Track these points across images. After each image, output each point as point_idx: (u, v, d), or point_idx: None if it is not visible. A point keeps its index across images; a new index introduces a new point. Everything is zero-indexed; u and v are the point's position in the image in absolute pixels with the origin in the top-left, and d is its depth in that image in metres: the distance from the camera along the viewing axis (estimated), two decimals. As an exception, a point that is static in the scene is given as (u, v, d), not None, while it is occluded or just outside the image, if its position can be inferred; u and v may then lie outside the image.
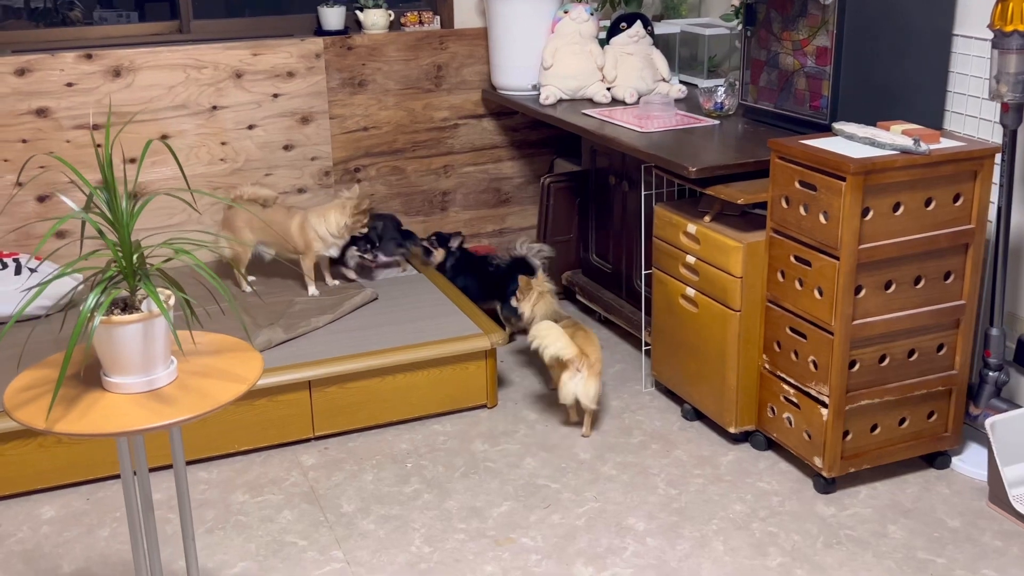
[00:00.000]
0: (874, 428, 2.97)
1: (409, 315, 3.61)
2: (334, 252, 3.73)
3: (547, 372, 3.67)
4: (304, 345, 3.38)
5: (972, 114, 3.18)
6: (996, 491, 2.88)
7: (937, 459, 3.09)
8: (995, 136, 3.07)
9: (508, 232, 4.57)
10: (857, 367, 2.87)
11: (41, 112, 3.75)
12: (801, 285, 2.89)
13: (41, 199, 3.80)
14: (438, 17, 4.28)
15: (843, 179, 2.69)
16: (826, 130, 3.09)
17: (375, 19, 4.14)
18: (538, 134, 4.49)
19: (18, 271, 3.51)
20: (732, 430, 3.19)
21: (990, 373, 3.04)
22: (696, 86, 4.03)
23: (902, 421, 3.00)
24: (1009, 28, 2.76)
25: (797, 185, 2.84)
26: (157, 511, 2.90)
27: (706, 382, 3.24)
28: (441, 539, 2.80)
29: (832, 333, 2.81)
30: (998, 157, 2.90)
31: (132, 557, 2.07)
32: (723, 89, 3.62)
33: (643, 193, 3.51)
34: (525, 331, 3.46)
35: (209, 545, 2.79)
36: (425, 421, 3.43)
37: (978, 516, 2.86)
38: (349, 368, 3.26)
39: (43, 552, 2.78)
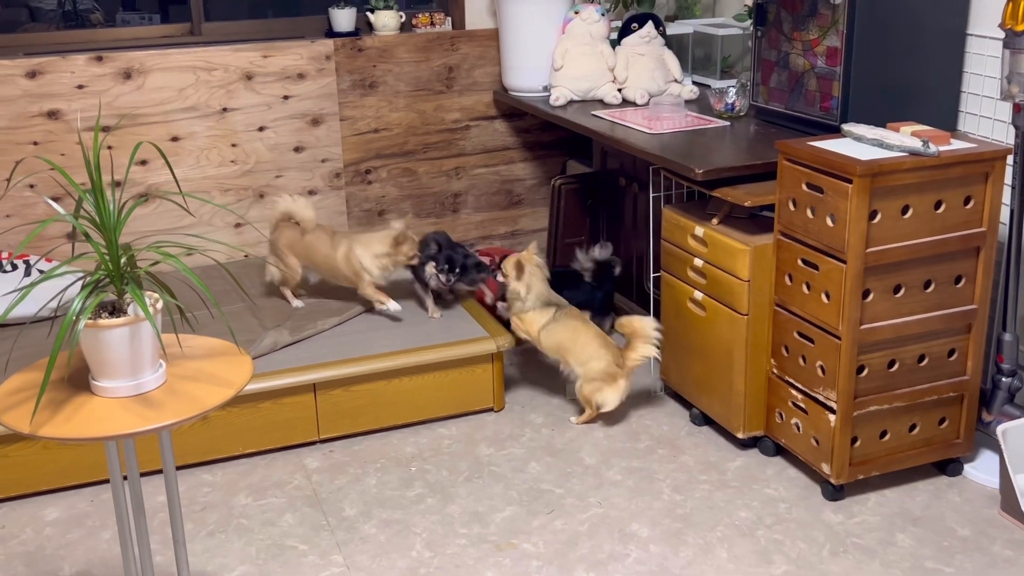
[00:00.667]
0: (883, 434, 2.92)
1: (415, 317, 3.59)
2: (383, 281, 3.55)
3: (550, 375, 3.65)
4: (310, 347, 3.37)
5: (987, 115, 3.12)
6: (1008, 499, 2.83)
7: (948, 466, 3.04)
8: (1011, 137, 3.01)
9: (520, 234, 4.55)
10: (865, 372, 2.82)
11: (52, 114, 3.77)
12: (808, 289, 2.85)
13: (54, 200, 3.82)
14: (449, 18, 4.26)
15: (850, 181, 2.64)
16: (837, 131, 3.05)
17: (386, 20, 4.13)
18: (550, 135, 4.46)
19: (28, 273, 3.53)
20: (740, 435, 3.15)
21: (1003, 379, 2.98)
22: (708, 87, 3.98)
23: (912, 427, 2.95)
24: (1020, 28, 2.70)
25: (804, 187, 2.80)
26: (159, 514, 2.91)
27: (714, 386, 3.20)
28: (442, 544, 2.78)
29: (839, 338, 2.77)
30: (1010, 159, 2.84)
31: (122, 562, 2.06)
32: (734, 90, 3.58)
33: (651, 195, 3.48)
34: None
35: (209, 548, 2.78)
36: (430, 424, 3.42)
37: (989, 525, 2.80)
38: (354, 371, 3.25)
39: (45, 554, 2.78)
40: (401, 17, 4.16)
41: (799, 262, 2.86)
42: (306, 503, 2.99)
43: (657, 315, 3.55)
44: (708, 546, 2.75)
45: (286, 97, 4.03)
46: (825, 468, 2.90)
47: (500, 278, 3.48)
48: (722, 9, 4.44)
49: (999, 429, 2.86)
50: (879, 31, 3.06)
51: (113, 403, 1.84)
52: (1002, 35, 2.80)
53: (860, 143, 2.82)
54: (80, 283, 1.86)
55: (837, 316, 2.75)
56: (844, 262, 2.70)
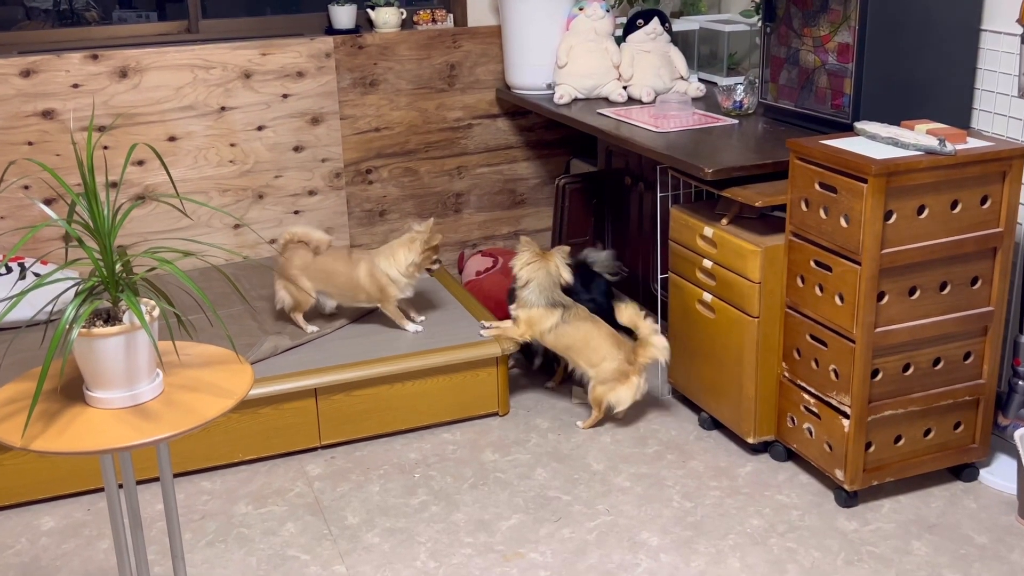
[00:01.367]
0: (898, 439, 2.85)
1: (419, 320, 3.52)
2: (409, 292, 3.40)
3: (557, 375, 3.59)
4: (311, 352, 3.31)
5: (1001, 112, 3.06)
6: (1026, 506, 2.77)
7: (964, 471, 2.97)
8: (1025, 135, 2.95)
9: (523, 234, 4.48)
10: (880, 376, 2.76)
11: (47, 114, 3.70)
12: (821, 291, 2.78)
13: (48, 202, 3.75)
14: (451, 15, 4.19)
15: (865, 181, 2.58)
16: (848, 130, 2.98)
17: (387, 17, 4.06)
18: (553, 134, 4.40)
19: (23, 276, 3.46)
20: (751, 440, 3.08)
21: (1019, 382, 2.91)
22: (716, 84, 3.92)
23: (927, 432, 2.88)
24: (1040, 22, 2.64)
25: (817, 187, 2.73)
26: (157, 523, 2.85)
27: (724, 390, 3.13)
28: (447, 554, 2.72)
29: (853, 341, 2.70)
30: (1028, 157, 2.77)
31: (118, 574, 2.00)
32: (742, 87, 3.51)
33: (659, 195, 3.41)
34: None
35: (209, 559, 2.72)
36: (434, 429, 3.35)
37: (1007, 532, 2.74)
38: (356, 375, 3.18)
39: (40, 565, 2.72)
40: (402, 14, 4.09)
41: (812, 263, 2.80)
42: (308, 511, 2.92)
43: (664, 317, 3.48)
44: (720, 555, 2.68)
45: (285, 96, 3.96)
46: (839, 474, 2.83)
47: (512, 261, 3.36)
48: (728, 5, 4.37)
49: (1017, 434, 2.79)
50: (892, 27, 3.00)
51: (108, 415, 1.78)
52: (1019, 30, 2.74)
53: (874, 141, 2.76)
54: (64, 289, 1.79)
55: (851, 319, 2.69)
56: (859, 264, 2.64)
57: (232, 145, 3.95)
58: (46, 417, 1.77)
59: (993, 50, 3.05)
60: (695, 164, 2.97)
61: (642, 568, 2.64)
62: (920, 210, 2.65)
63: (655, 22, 3.89)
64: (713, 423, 3.29)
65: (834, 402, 2.80)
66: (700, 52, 4.22)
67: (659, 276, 3.54)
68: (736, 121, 3.47)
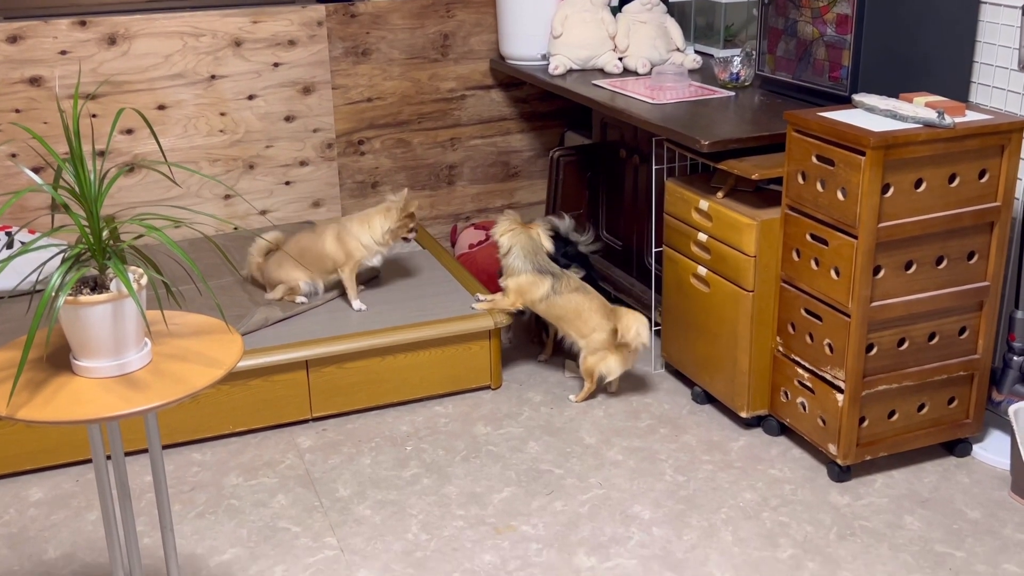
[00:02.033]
0: (891, 414, 2.84)
1: (411, 293, 3.50)
2: (378, 261, 3.41)
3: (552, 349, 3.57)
4: (302, 324, 3.28)
5: (1000, 86, 3.03)
6: (1018, 481, 2.76)
7: (957, 447, 2.97)
8: (1024, 109, 2.92)
9: (517, 207, 4.45)
10: (875, 351, 2.74)
11: (34, 81, 3.64)
12: (817, 265, 2.76)
13: (35, 170, 3.71)
14: (445, -16, 4.14)
15: (862, 154, 2.55)
16: (846, 102, 2.95)
17: (379, -14, 4.01)
18: (548, 106, 4.35)
19: (9, 244, 3.42)
20: (744, 415, 3.07)
21: (1014, 358, 2.90)
22: (712, 56, 3.88)
23: (921, 407, 2.87)
24: (1042, -6, 2.60)
25: (814, 160, 2.71)
26: (147, 494, 2.83)
27: (717, 364, 3.12)
28: (439, 526, 2.70)
29: (849, 315, 2.68)
30: (1027, 131, 2.75)
31: (106, 545, 1.98)
32: (739, 59, 3.47)
33: (654, 167, 3.38)
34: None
35: (199, 530, 2.70)
36: (426, 402, 3.33)
37: (999, 507, 2.73)
38: (348, 347, 3.16)
39: (28, 536, 2.70)
40: (395, -18, 4.04)
41: (808, 237, 2.78)
42: (298, 483, 2.91)
43: (658, 291, 3.46)
44: (712, 528, 2.67)
45: (276, 64, 3.91)
46: (832, 449, 2.82)
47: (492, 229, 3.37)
48: (725, -24, 4.32)
49: (1011, 409, 2.79)
50: (891, -2, 2.96)
51: (95, 384, 1.75)
52: (1019, 2, 2.71)
53: (872, 114, 2.73)
54: (50, 257, 1.76)
55: (847, 293, 2.67)
56: (855, 237, 2.62)
57: (222, 114, 3.90)
58: (32, 386, 1.74)
59: (992, 22, 3.02)
60: (691, 136, 2.94)
61: (634, 541, 2.63)
62: (918, 183, 2.63)
63: (651, -8, 3.84)
64: (706, 397, 3.28)
65: (828, 376, 2.79)
66: (697, 23, 4.18)
67: (653, 250, 3.51)
68: (733, 93, 3.43)
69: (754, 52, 3.46)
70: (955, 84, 3.09)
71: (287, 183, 4.06)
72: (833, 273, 2.70)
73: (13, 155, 3.67)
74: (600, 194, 4.01)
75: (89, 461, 3.00)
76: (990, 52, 3.04)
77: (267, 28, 3.85)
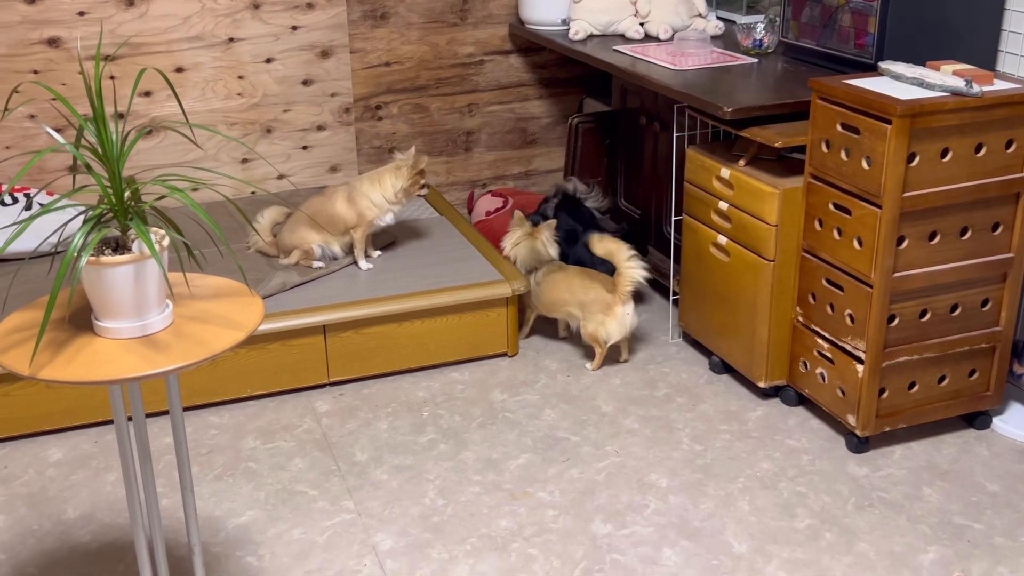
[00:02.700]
0: (912, 386, 2.82)
1: (428, 259, 3.48)
2: (390, 219, 3.40)
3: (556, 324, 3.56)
4: (319, 288, 3.27)
5: (1029, 55, 2.98)
6: (1039, 455, 2.75)
7: (977, 419, 2.95)
8: (1053, 78, 2.87)
9: (535, 174, 4.43)
10: (896, 322, 2.72)
11: (53, 42, 3.62)
12: (840, 234, 2.73)
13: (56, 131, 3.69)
14: (465, -53, 4.10)
15: (889, 122, 2.52)
16: (871, 70, 2.91)
17: (399, -52, 3.97)
18: (567, 72, 4.31)
19: (28, 206, 3.42)
20: (762, 385, 3.06)
21: (1037, 331, 2.88)
22: (734, 22, 3.83)
23: (941, 379, 2.85)
24: (1075, -40, 2.55)
25: (839, 128, 2.67)
26: (165, 456, 2.84)
27: (736, 334, 3.10)
28: (456, 491, 2.71)
29: (871, 286, 2.66)
30: (1056, 101, 2.70)
31: (127, 505, 1.98)
32: (762, 26, 3.43)
33: (675, 135, 3.35)
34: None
35: (217, 492, 2.71)
36: (443, 369, 3.33)
37: (1019, 480, 2.72)
38: (365, 313, 3.15)
39: (48, 495, 2.71)
40: (414, -55, 4.00)
41: (830, 206, 2.75)
42: (316, 447, 2.91)
43: (677, 260, 3.44)
44: (729, 498, 2.67)
45: (294, 27, 3.88)
46: (851, 420, 2.81)
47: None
48: (748, -59, 4.26)
49: (1033, 382, 2.77)
50: (920, -36, 2.91)
51: (117, 345, 1.75)
52: (1052, -31, 2.66)
53: (899, 82, 2.69)
54: (82, 218, 1.75)
55: (869, 263, 2.65)
56: (879, 207, 2.59)
57: (240, 77, 3.88)
58: (54, 346, 1.74)
59: (1023, -10, 2.97)
60: (714, 103, 2.90)
61: (651, 509, 2.63)
62: (944, 153, 2.59)
63: (674, -43, 3.79)
64: (724, 367, 3.26)
65: (848, 347, 2.77)
66: (719, -10, 4.13)
67: (672, 218, 3.49)
68: (755, 60, 3.39)
69: (778, 18, 3.42)
70: (982, 52, 3.04)
71: (304, 148, 4.05)
72: (856, 243, 2.68)
73: (32, 116, 3.66)
74: (619, 162, 3.99)
75: (108, 422, 3.01)
76: (1019, 20, 2.99)
77: (285, -10, 3.82)
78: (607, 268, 3.31)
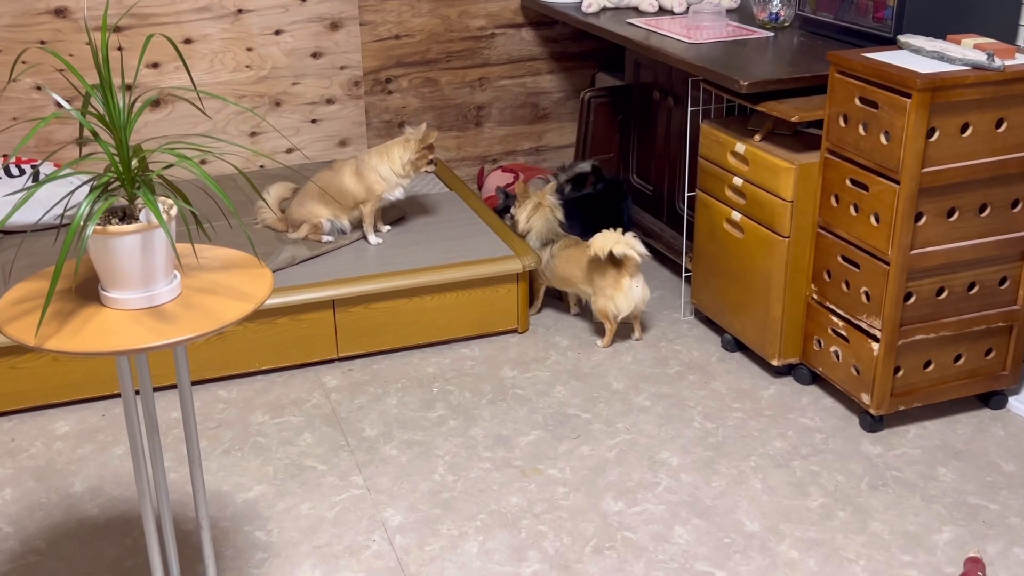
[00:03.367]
0: (927, 364, 2.79)
1: (438, 234, 3.45)
2: (400, 194, 3.37)
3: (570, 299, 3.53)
4: (329, 263, 3.25)
5: (1051, 29, 2.93)
6: (1056, 435, 2.71)
7: (992, 399, 2.92)
8: (1076, 53, 2.82)
9: (546, 150, 4.38)
10: (913, 300, 2.68)
11: (60, 12, 3.59)
12: (856, 211, 2.69)
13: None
14: (476, -82, 4.04)
15: (908, 96, 2.47)
16: (890, 43, 2.86)
17: (409, -81, 3.91)
18: (579, 46, 4.26)
19: (35, 178, 3.39)
20: (775, 363, 3.03)
21: (1056, 310, 2.84)
22: (749, -4, 3.77)
23: (957, 358, 2.82)
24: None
25: (857, 102, 2.63)
26: (173, 430, 2.82)
27: (749, 312, 3.07)
28: (465, 467, 2.69)
29: (888, 263, 2.62)
30: (1080, 75, 2.65)
31: (135, 479, 1.96)
32: (779, -1, 3.37)
33: (689, 109, 3.30)
34: None
35: (225, 467, 2.69)
36: (453, 345, 3.30)
37: (1035, 461, 2.70)
38: (375, 288, 3.13)
39: (55, 468, 2.70)
40: (426, -84, 3.94)
41: (847, 182, 2.71)
42: (325, 422, 2.89)
43: (690, 237, 3.41)
44: (741, 476, 2.64)
45: (304, -1, 3.84)
46: (865, 398, 2.78)
47: (513, 209, 3.47)
48: (764, -86, 4.19)
49: (1051, 362, 2.73)
50: (942, -65, 2.85)
51: (124, 315, 1.72)
52: (1077, -60, 2.61)
53: (918, 56, 2.64)
54: (88, 187, 1.72)
55: (887, 240, 2.61)
56: (897, 183, 2.55)
57: (249, 50, 3.84)
58: (60, 317, 1.71)
59: (1046, -38, 2.91)
60: (729, 76, 2.86)
61: (662, 487, 2.61)
62: (964, 128, 2.55)
63: (689, -71, 3.73)
64: (736, 345, 3.23)
65: (864, 325, 2.74)
66: (734, -37, 4.06)
67: (685, 194, 3.45)
68: (772, 34, 3.34)
69: (795, -8, 3.36)
70: (1002, 26, 2.99)
71: (313, 121, 4.01)
72: (873, 219, 2.64)
73: (39, 87, 3.63)
74: (632, 137, 3.94)
75: (115, 396, 3.00)
76: (1042, -6, 2.94)
77: (295, -39, 3.77)
78: None
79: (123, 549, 2.41)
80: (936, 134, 2.52)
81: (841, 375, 2.86)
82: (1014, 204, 2.69)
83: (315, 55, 3.92)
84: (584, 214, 3.57)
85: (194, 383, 3.05)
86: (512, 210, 3.47)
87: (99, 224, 1.67)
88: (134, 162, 1.72)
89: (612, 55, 4.26)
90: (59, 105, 1.79)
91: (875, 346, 2.71)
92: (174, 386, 3.00)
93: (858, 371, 2.78)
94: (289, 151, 4.01)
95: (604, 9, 3.75)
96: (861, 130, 2.63)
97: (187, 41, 3.75)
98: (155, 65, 3.73)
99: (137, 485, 1.90)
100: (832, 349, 2.88)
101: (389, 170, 3.32)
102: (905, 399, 2.79)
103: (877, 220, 2.63)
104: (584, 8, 3.72)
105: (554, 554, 2.37)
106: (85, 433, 2.85)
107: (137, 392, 2.04)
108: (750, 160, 2.95)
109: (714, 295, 3.24)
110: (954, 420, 2.87)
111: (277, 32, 3.84)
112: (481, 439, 2.81)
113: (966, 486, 2.59)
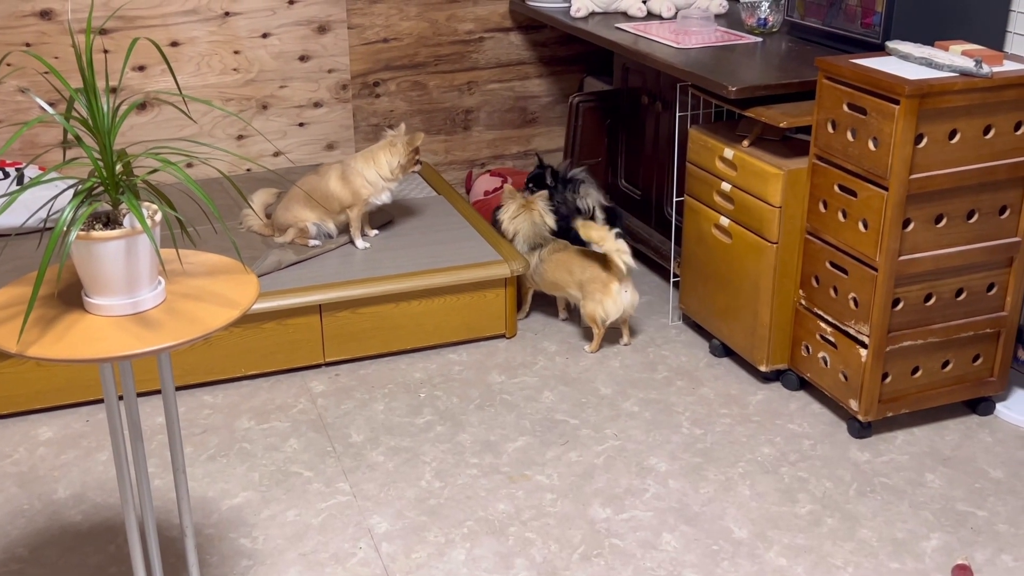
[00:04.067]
0: (915, 371, 2.79)
1: (426, 239, 3.44)
2: (386, 198, 3.36)
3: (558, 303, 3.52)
4: (316, 267, 3.23)
5: (1038, 36, 2.94)
6: (1043, 441, 2.72)
7: (980, 405, 2.92)
8: (1063, 60, 2.83)
9: (533, 154, 4.37)
10: (901, 306, 2.68)
11: (45, 14, 3.56)
12: (845, 217, 2.69)
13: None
14: (465, -78, 4.03)
15: (896, 102, 2.47)
16: (878, 50, 2.86)
17: (398, -77, 3.90)
18: (568, 50, 4.26)
19: (20, 181, 3.36)
20: (763, 368, 3.02)
21: (1043, 316, 2.85)
22: (739, 1, 3.77)
23: (945, 364, 2.82)
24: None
25: (845, 108, 2.63)
26: (158, 436, 2.80)
27: (737, 317, 3.06)
28: (452, 474, 2.67)
29: (876, 269, 2.62)
30: (1067, 82, 2.66)
31: (118, 487, 1.94)
32: (767, 4, 3.37)
33: (677, 114, 3.30)
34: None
35: (211, 473, 2.67)
36: (440, 350, 3.29)
37: (1022, 466, 2.69)
38: (362, 292, 3.11)
39: (38, 475, 2.67)
40: (414, -81, 3.93)
41: (836, 188, 2.70)
42: (311, 428, 2.87)
43: (678, 242, 3.40)
44: (729, 482, 2.64)
45: (292, 2, 3.82)
46: (853, 404, 2.77)
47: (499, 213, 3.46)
48: (753, -81, 4.19)
49: (1038, 368, 2.74)
50: (930, -58, 2.86)
51: (108, 322, 1.70)
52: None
53: (906, 62, 2.64)
54: (72, 191, 1.70)
55: (875, 246, 2.61)
56: (885, 189, 2.55)
57: (236, 52, 3.82)
58: (43, 323, 1.69)
59: (1034, -31, 2.92)
60: (718, 82, 2.85)
61: (650, 493, 2.60)
62: (952, 134, 2.55)
63: (678, -66, 3.73)
64: (724, 350, 3.23)
65: (852, 331, 2.74)
66: (722, -32, 4.06)
67: (674, 199, 3.44)
68: (760, 39, 3.34)
69: (783, -3, 3.36)
70: (990, 33, 2.99)
71: (301, 124, 3.99)
72: (861, 225, 2.64)
73: (23, 90, 3.60)
74: (620, 142, 3.94)
75: (99, 401, 2.97)
76: (1029, 0, 2.95)
77: (282, -36, 3.76)
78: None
79: (106, 556, 2.38)
80: (924, 140, 2.52)
81: (829, 381, 2.86)
82: (1002, 210, 2.70)
83: (302, 58, 3.91)
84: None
85: (179, 388, 3.03)
86: (497, 213, 3.45)
87: (82, 230, 1.66)
88: (118, 167, 1.70)
89: (600, 60, 4.25)
90: (43, 109, 1.77)
91: (863, 352, 2.70)
92: (158, 391, 2.98)
93: (846, 377, 2.78)
94: (276, 155, 3.99)
95: (593, 14, 3.74)
96: (849, 136, 2.63)
97: (173, 44, 3.72)
98: (141, 68, 3.71)
99: (121, 491, 1.88)
100: (820, 355, 2.87)
101: (376, 174, 3.30)
102: (893, 405, 2.79)
103: (865, 226, 2.63)
104: (573, 12, 3.72)
105: (542, 561, 2.36)
106: (68, 439, 2.82)
107: (121, 398, 2.02)
108: (738, 165, 2.94)
109: (702, 300, 3.23)
110: (942, 426, 2.87)
111: (264, 35, 3.83)
112: (468, 445, 2.80)
113: (954, 492, 2.59)
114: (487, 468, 2.70)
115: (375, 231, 3.46)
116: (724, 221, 3.04)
